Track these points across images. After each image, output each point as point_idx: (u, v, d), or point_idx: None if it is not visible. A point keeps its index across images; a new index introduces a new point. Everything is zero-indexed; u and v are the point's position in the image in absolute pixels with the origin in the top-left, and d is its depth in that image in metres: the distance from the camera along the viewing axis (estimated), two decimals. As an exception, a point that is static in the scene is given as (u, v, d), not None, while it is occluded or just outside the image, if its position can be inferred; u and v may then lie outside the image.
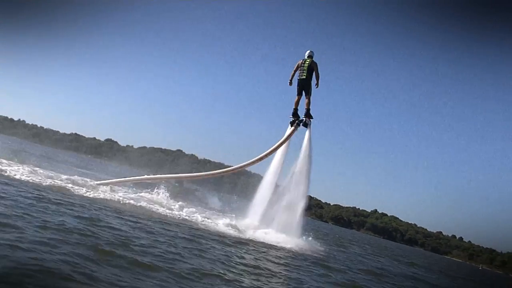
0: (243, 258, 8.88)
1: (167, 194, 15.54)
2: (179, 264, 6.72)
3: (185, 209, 14.15)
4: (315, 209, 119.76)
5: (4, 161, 14.80)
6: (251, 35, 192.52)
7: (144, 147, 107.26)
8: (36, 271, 4.67)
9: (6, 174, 12.56)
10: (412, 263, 25.69)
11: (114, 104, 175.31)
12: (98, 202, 11.67)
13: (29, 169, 14.34)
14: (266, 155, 14.08)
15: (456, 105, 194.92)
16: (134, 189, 16.23)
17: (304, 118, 14.30)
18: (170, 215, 12.82)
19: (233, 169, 15.07)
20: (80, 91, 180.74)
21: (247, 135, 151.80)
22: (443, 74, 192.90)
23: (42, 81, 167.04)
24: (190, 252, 7.96)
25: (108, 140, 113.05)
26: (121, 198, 13.06)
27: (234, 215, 14.85)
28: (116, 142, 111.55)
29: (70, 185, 13.21)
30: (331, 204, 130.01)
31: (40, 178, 13.30)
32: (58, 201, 9.82)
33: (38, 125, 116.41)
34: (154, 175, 17.43)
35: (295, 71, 14.48)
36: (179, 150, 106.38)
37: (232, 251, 9.35)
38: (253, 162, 14.24)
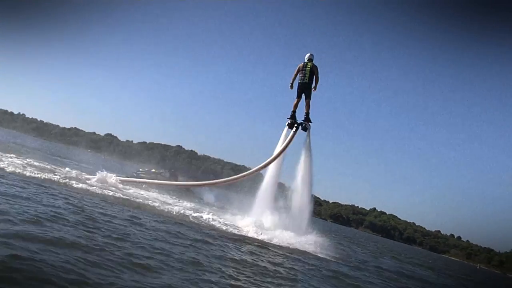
0: (273, 262, 8.96)
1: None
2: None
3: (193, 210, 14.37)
4: (314, 207, 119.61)
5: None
6: (251, 35, 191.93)
7: (144, 142, 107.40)
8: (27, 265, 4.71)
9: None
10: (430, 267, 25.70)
11: (114, 99, 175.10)
12: (94, 195, 11.86)
13: (24, 162, 14.49)
14: (274, 159, 14.21)
15: (456, 104, 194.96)
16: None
17: (304, 123, 14.37)
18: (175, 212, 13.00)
19: (247, 174, 15.15)
20: (80, 86, 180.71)
21: (246, 132, 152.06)
22: (442, 74, 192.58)
23: (42, 75, 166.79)
24: (196, 249, 8.04)
25: (107, 135, 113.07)
26: (126, 193, 13.17)
27: (236, 212, 14.98)
28: (116, 137, 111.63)
29: (67, 180, 13.27)
30: (330, 201, 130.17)
31: (39, 172, 13.40)
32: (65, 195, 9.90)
33: (38, 119, 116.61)
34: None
35: (296, 74, 14.52)
36: (178, 146, 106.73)
37: (244, 250, 9.45)
38: (264, 166, 14.36)
